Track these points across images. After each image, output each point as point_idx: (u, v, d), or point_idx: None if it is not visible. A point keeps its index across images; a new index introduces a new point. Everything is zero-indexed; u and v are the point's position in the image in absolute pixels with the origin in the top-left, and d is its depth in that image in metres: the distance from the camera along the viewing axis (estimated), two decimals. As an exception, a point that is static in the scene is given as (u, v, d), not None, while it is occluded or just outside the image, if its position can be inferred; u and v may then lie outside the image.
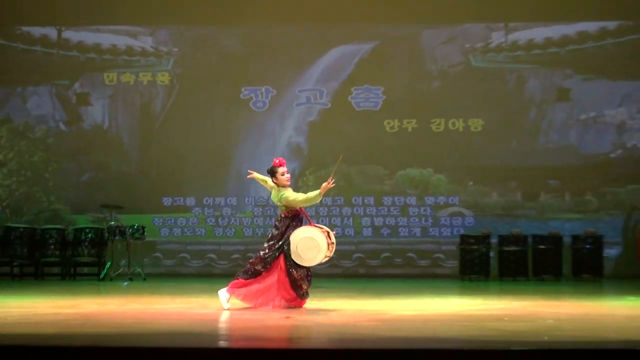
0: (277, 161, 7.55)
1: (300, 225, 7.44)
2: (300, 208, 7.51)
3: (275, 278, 7.37)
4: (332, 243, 7.43)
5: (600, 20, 11.89)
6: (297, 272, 7.35)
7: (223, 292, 7.43)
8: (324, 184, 7.34)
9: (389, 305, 7.86)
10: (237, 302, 7.38)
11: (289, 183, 7.50)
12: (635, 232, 10.88)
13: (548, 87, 11.98)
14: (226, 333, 6.41)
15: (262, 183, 7.66)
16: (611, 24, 11.89)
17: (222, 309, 7.33)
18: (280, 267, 7.37)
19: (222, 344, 6.00)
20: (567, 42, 11.93)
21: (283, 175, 7.45)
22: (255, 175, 7.74)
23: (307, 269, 7.44)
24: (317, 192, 7.31)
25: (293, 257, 7.31)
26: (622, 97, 11.89)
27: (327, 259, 7.50)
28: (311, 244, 7.32)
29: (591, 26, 11.92)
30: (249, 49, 12.18)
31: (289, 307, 7.33)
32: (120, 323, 6.63)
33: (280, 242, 7.39)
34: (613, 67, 11.86)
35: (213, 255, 11.98)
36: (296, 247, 7.32)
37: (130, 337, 5.97)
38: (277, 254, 7.39)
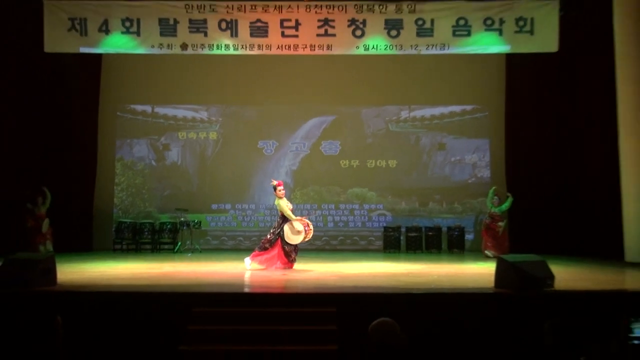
0: (277, 182, 7.57)
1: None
2: (290, 211, 7.48)
3: (276, 251, 7.34)
4: (310, 230, 7.42)
5: (462, 104, 12.03)
6: (288, 247, 7.32)
7: (247, 260, 7.38)
8: (302, 218, 7.45)
9: (343, 267, 7.84)
10: (255, 265, 7.33)
11: (283, 197, 7.51)
12: (481, 226, 10.90)
13: (433, 142, 12.07)
14: (248, 283, 6.34)
15: None
16: (468, 107, 12.03)
17: (246, 269, 7.26)
18: (279, 245, 7.34)
19: (246, 289, 5.94)
20: (444, 117, 12.05)
21: (280, 191, 7.48)
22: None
23: (295, 245, 7.41)
24: (295, 218, 7.37)
25: (286, 238, 7.29)
26: (475, 148, 12.00)
27: (307, 239, 7.48)
28: (296, 231, 7.31)
29: (457, 108, 12.04)
30: (262, 118, 12.16)
31: (284, 269, 7.28)
32: (186, 277, 6.55)
33: (279, 230, 7.37)
34: (469, 131, 11.98)
35: (241, 238, 11.85)
36: (288, 232, 7.29)
37: (191, 286, 5.89)
38: (277, 236, 7.37)
